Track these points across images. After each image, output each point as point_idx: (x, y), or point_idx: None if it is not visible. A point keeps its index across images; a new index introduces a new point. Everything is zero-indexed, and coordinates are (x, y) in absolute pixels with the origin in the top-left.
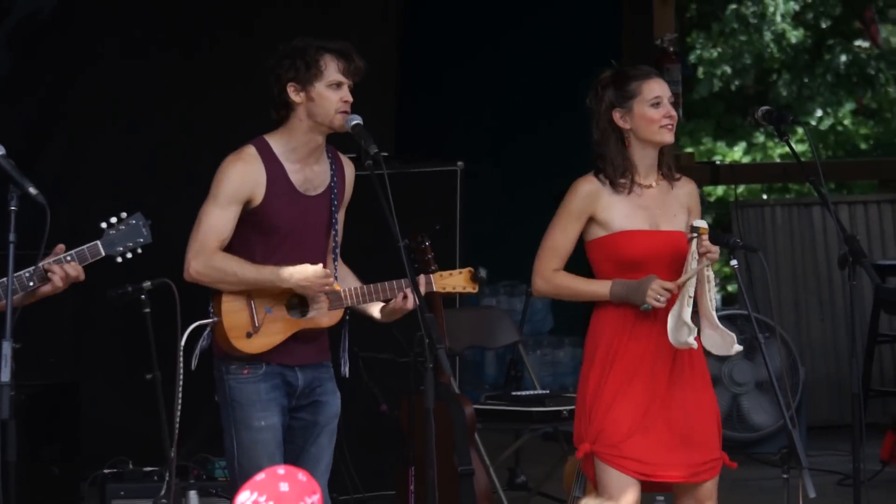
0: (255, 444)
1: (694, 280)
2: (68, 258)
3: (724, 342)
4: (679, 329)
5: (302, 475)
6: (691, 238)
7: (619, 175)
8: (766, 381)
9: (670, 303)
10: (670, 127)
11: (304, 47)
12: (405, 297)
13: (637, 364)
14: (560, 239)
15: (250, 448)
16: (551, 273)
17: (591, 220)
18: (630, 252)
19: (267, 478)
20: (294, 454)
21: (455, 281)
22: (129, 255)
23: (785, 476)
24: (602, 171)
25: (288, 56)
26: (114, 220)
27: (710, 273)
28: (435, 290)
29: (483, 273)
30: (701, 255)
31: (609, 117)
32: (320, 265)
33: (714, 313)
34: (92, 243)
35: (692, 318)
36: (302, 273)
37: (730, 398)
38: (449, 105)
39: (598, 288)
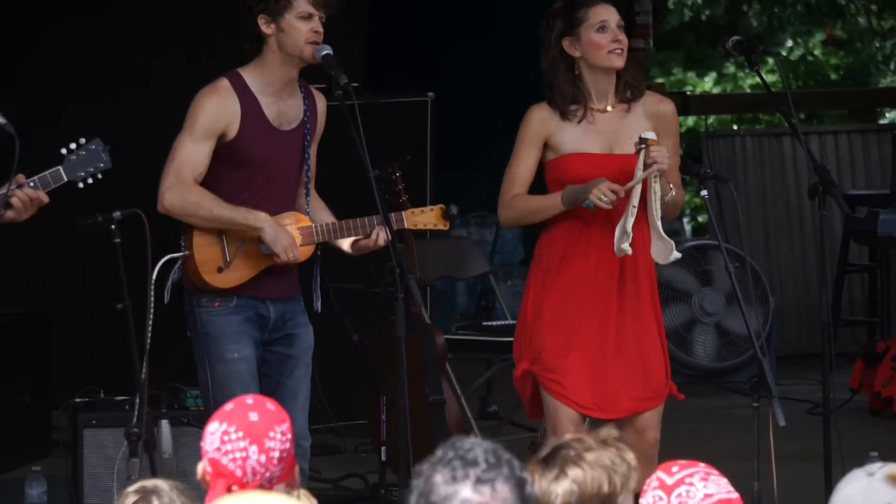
0: (228, 375)
1: (639, 190)
2: (31, 184)
3: (665, 249)
4: (621, 238)
5: (270, 404)
6: (639, 149)
7: (568, 103)
8: (725, 327)
9: (617, 215)
10: (619, 51)
11: None
12: (377, 235)
13: (578, 283)
14: (518, 167)
15: (224, 380)
16: (511, 198)
17: (546, 144)
18: (577, 173)
19: (235, 407)
20: (270, 388)
21: (426, 218)
22: (90, 181)
23: (755, 405)
24: (551, 99)
25: None
26: (73, 145)
27: (657, 185)
28: (406, 226)
29: (454, 210)
30: (647, 165)
31: (559, 46)
32: (296, 235)
33: (659, 223)
34: (53, 169)
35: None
36: (275, 230)
37: (688, 322)
38: (420, 36)
39: (552, 199)
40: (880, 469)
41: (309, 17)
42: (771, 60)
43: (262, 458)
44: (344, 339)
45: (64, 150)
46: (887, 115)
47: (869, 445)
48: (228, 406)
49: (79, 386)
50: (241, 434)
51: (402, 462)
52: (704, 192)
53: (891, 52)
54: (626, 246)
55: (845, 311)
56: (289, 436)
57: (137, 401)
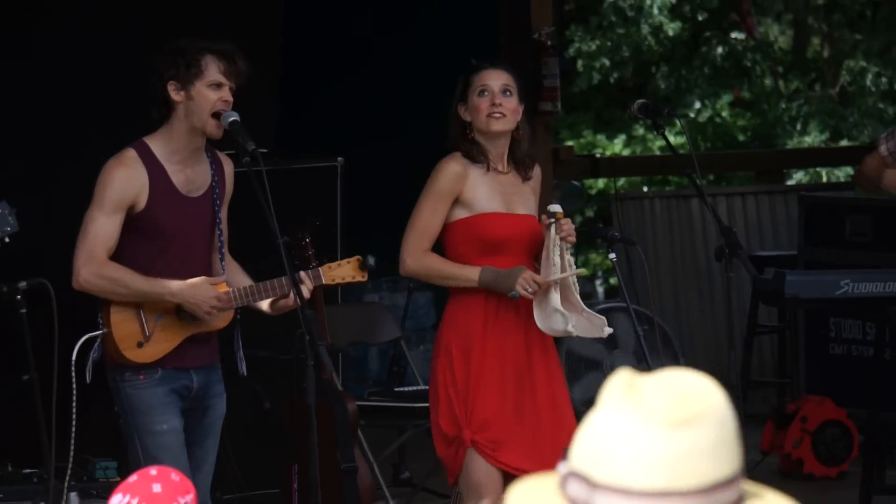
0: (158, 448)
1: (558, 265)
2: None
3: (593, 325)
4: (551, 317)
5: (175, 475)
6: (549, 224)
7: (473, 161)
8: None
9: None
10: (497, 115)
11: (186, 47)
12: (302, 296)
13: (503, 354)
14: (429, 219)
15: (155, 453)
16: (421, 253)
17: (456, 200)
18: (491, 233)
19: (139, 479)
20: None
21: (344, 271)
22: None
23: None
24: (467, 155)
25: (170, 54)
26: None
27: (569, 257)
28: (325, 282)
29: (371, 261)
30: (562, 239)
31: (455, 111)
32: (213, 288)
33: (578, 297)
34: None
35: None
36: (191, 288)
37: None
38: (331, 103)
39: (468, 272)
40: None
41: (219, 86)
42: (679, 122)
43: None
44: (255, 406)
45: None
46: (794, 176)
47: None
48: (132, 478)
49: None
50: None
51: None
52: (613, 255)
53: (797, 113)
54: (568, 327)
55: (755, 372)
56: None
57: (45, 473)
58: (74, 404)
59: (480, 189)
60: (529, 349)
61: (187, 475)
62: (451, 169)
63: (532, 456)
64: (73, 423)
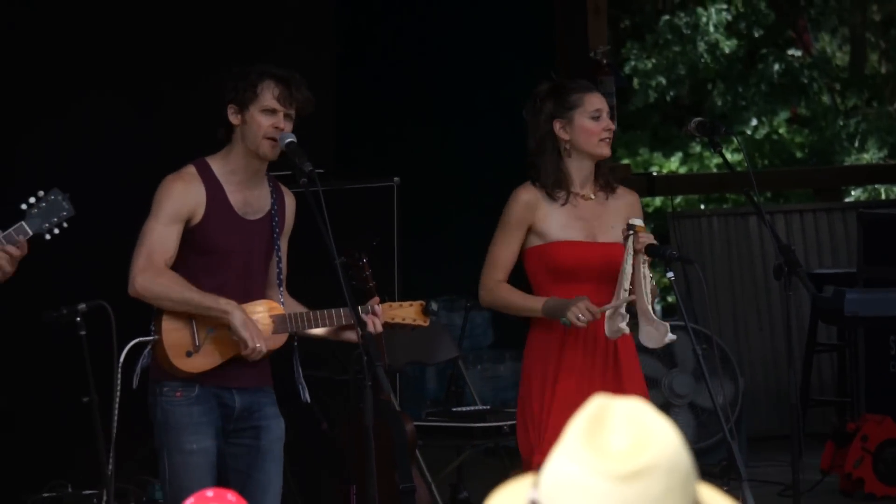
0: (185, 466)
1: (629, 274)
2: None
3: (658, 334)
4: (613, 319)
5: (231, 496)
6: (627, 235)
7: (553, 185)
8: (700, 406)
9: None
10: (608, 140)
11: (248, 70)
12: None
13: (581, 380)
14: (502, 250)
15: (181, 470)
16: (494, 284)
17: (530, 229)
18: (563, 261)
19: (195, 501)
20: (240, 481)
21: (405, 312)
22: (57, 231)
23: (725, 488)
24: (537, 180)
25: (232, 77)
26: (32, 199)
27: (645, 269)
28: (384, 320)
29: (434, 307)
30: (636, 251)
31: (549, 128)
32: (268, 323)
33: (650, 307)
34: (17, 224)
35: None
36: (241, 318)
37: (661, 406)
38: (386, 121)
39: (533, 304)
40: None
41: (273, 112)
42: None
43: None
44: (313, 428)
45: (24, 206)
46: (852, 192)
47: None
48: (189, 501)
49: (46, 480)
50: None
51: None
52: (670, 274)
53: (854, 129)
54: (623, 325)
55: (815, 391)
56: None
57: (105, 495)
58: (116, 410)
59: (555, 217)
60: (616, 373)
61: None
62: (521, 199)
63: None
64: (115, 428)
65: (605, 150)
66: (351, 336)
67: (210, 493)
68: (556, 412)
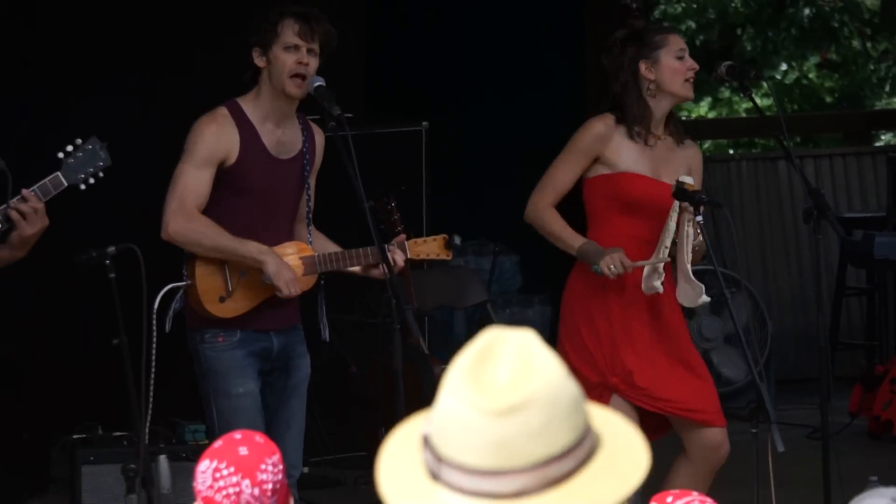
0: (234, 410)
1: (672, 231)
2: (32, 192)
3: (693, 293)
4: (650, 276)
5: (259, 437)
6: (675, 192)
7: (636, 123)
8: (734, 336)
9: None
10: (692, 80)
11: (267, 12)
12: (392, 259)
13: (636, 312)
14: (561, 173)
15: (230, 415)
16: (544, 205)
17: (598, 159)
18: (630, 192)
19: (224, 444)
20: (266, 417)
21: (429, 248)
22: (92, 181)
23: (754, 430)
24: (621, 115)
25: (254, 20)
26: (70, 148)
27: (689, 228)
28: (409, 256)
29: (457, 240)
30: (682, 210)
31: (634, 68)
32: (298, 265)
33: (689, 267)
34: (52, 175)
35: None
36: (276, 264)
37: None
38: (416, 66)
39: (571, 240)
40: None
41: (295, 48)
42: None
43: (256, 490)
44: (342, 370)
45: (61, 154)
46: (882, 137)
47: (868, 470)
48: (217, 443)
49: (76, 422)
50: (232, 469)
51: None
52: (699, 218)
53: (885, 74)
54: (657, 283)
55: (843, 334)
56: (280, 467)
57: (138, 438)
58: (154, 354)
59: (626, 151)
60: (658, 309)
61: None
62: (595, 129)
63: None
64: (153, 375)
65: (689, 91)
66: (377, 273)
67: (238, 434)
68: (626, 338)
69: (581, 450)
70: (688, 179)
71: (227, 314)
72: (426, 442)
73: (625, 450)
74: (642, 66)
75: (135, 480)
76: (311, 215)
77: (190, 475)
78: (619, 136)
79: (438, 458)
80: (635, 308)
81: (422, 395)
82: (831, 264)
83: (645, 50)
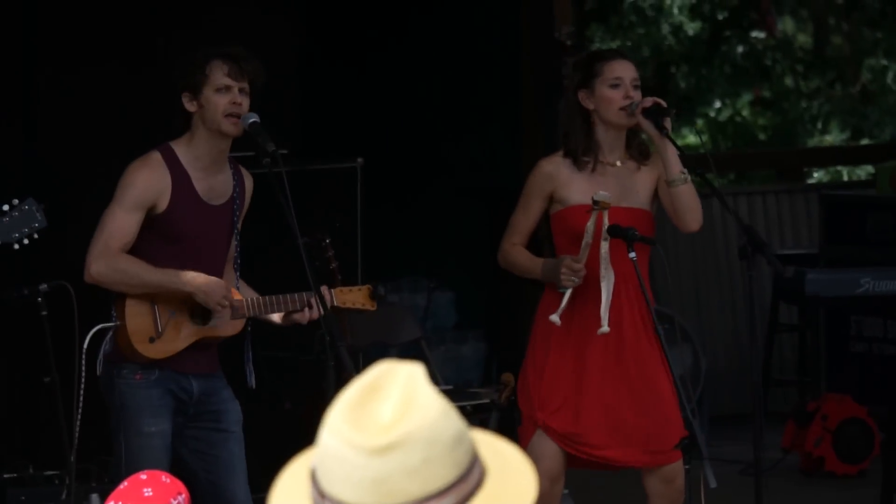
0: (143, 449)
1: (586, 247)
2: None
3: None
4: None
5: (165, 477)
6: (591, 210)
7: (581, 153)
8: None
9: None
10: (628, 108)
11: (193, 56)
12: (309, 308)
13: (585, 342)
14: (521, 217)
15: (139, 453)
16: (509, 246)
17: (553, 197)
18: (579, 225)
19: (129, 485)
20: (207, 464)
21: (354, 297)
22: (27, 241)
23: (686, 467)
24: (567, 148)
25: (179, 66)
26: (6, 207)
27: (604, 252)
28: (336, 304)
29: (382, 291)
30: (599, 230)
31: (575, 98)
32: (225, 284)
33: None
34: None
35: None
36: (205, 281)
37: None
38: (351, 102)
39: (534, 266)
40: None
41: (227, 89)
42: (700, 121)
43: None
44: (277, 407)
45: None
46: (815, 174)
47: None
48: (123, 485)
49: (7, 461)
50: None
51: None
52: (632, 255)
53: (817, 112)
54: (605, 327)
55: (776, 370)
56: None
57: (68, 478)
58: (82, 393)
59: (576, 184)
60: (620, 339)
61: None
62: (542, 169)
63: (612, 443)
64: (79, 413)
65: (623, 119)
66: (300, 319)
67: (144, 475)
68: (559, 373)
69: (465, 485)
70: (603, 196)
71: (158, 355)
72: (312, 477)
73: (511, 482)
74: (581, 96)
75: None
76: (239, 261)
77: None
78: (567, 171)
79: (322, 494)
80: (582, 346)
81: None
82: (763, 301)
83: (584, 78)
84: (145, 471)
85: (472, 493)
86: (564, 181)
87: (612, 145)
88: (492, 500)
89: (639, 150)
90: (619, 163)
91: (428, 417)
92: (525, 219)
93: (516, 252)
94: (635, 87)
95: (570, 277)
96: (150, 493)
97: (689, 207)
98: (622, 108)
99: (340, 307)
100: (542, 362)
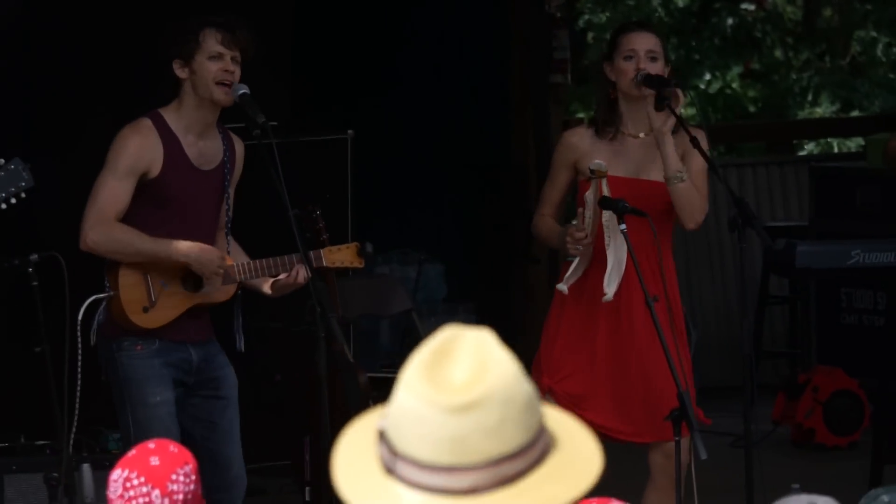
0: (150, 419)
1: (588, 220)
2: None
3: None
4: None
5: (173, 447)
6: (588, 179)
7: (603, 123)
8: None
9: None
10: (635, 80)
11: (185, 23)
12: (297, 273)
13: (597, 312)
14: (549, 189)
15: (146, 424)
16: (538, 218)
17: (576, 167)
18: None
19: (137, 453)
20: (206, 431)
21: (342, 256)
22: (14, 201)
23: (676, 438)
24: (593, 119)
25: (171, 33)
26: None
27: (606, 215)
28: (325, 264)
29: (369, 248)
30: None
31: (601, 69)
32: (218, 251)
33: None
34: None
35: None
36: (199, 250)
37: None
38: (341, 74)
39: (551, 236)
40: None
41: (219, 56)
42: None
43: (166, 501)
44: (267, 378)
45: None
46: (805, 146)
47: (791, 477)
48: (131, 452)
49: None
50: (143, 479)
51: (326, 502)
52: (623, 227)
53: (807, 84)
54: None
55: (766, 343)
56: (193, 477)
57: (62, 447)
58: (80, 366)
59: (598, 155)
60: (630, 310)
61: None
62: (565, 141)
63: (616, 415)
64: (79, 386)
65: (634, 90)
66: (288, 282)
67: (152, 444)
68: (572, 341)
69: (534, 450)
70: (598, 165)
71: (152, 324)
72: (382, 437)
73: (579, 453)
74: (606, 68)
75: (58, 489)
76: (230, 225)
77: None
78: (589, 142)
79: (394, 453)
80: (592, 317)
81: (346, 403)
82: (754, 273)
83: (608, 52)
84: (154, 439)
85: (540, 458)
86: (586, 151)
87: (635, 117)
88: (561, 467)
89: (682, 123)
90: (642, 135)
91: (505, 378)
92: (552, 190)
93: (542, 223)
94: (651, 58)
95: (574, 246)
96: (157, 462)
97: (683, 206)
98: (632, 80)
99: (329, 267)
100: (554, 332)
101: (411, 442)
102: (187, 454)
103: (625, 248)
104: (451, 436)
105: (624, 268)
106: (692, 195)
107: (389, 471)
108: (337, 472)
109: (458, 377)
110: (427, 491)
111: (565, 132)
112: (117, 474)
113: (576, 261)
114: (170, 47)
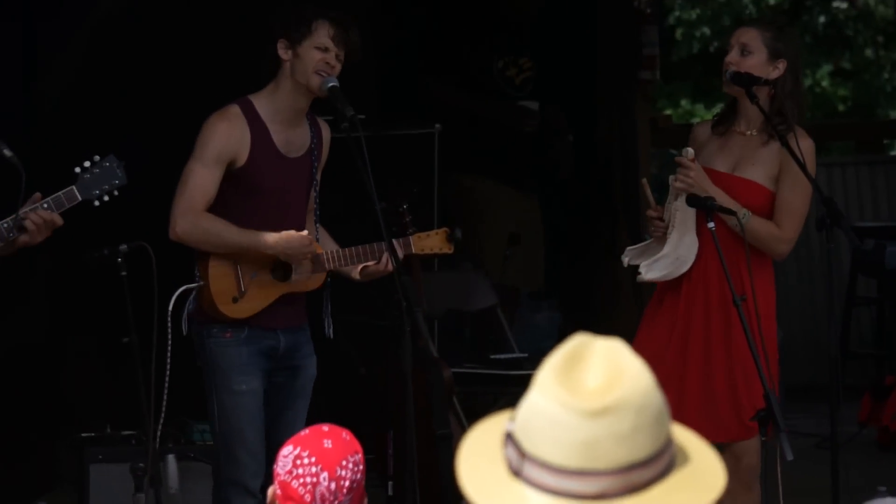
0: (235, 407)
1: (672, 210)
2: (44, 205)
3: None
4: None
5: (346, 434)
6: (689, 200)
7: (721, 117)
8: None
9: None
10: (725, 77)
11: (302, 8)
12: (387, 260)
13: (674, 311)
14: None
15: (231, 411)
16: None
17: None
18: None
19: (311, 433)
20: (271, 416)
21: (432, 242)
22: (107, 198)
23: (763, 439)
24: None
25: (285, 13)
26: (87, 163)
27: (676, 205)
28: (413, 251)
29: (459, 233)
30: (675, 185)
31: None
32: (304, 232)
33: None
34: (67, 189)
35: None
36: (286, 240)
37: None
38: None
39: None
40: None
41: (325, 49)
42: None
43: (333, 485)
44: (351, 371)
45: (77, 169)
46: (895, 146)
47: (877, 480)
48: (304, 432)
49: (84, 420)
50: (313, 459)
51: (409, 497)
52: (711, 225)
53: None
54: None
55: (854, 343)
56: (361, 467)
57: (147, 438)
58: (169, 355)
59: (708, 147)
60: (707, 312)
61: (261, 436)
62: (691, 132)
63: (685, 413)
64: (167, 375)
65: (726, 86)
66: (377, 269)
67: (326, 427)
68: (645, 338)
69: (663, 460)
70: (686, 152)
71: (241, 314)
72: (509, 438)
73: (705, 467)
74: None
75: (143, 479)
76: (318, 212)
77: (198, 475)
78: (706, 135)
79: (522, 455)
80: (676, 315)
81: (430, 398)
82: (842, 273)
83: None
84: (327, 423)
85: (668, 468)
86: (701, 143)
87: (748, 114)
88: (688, 479)
89: (775, 128)
90: (749, 132)
91: (639, 386)
92: None
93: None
94: (743, 53)
95: (651, 226)
96: (330, 446)
97: (757, 243)
98: (724, 78)
99: (419, 254)
100: (637, 332)
101: (542, 444)
102: (357, 444)
103: (694, 247)
104: (584, 440)
105: (685, 267)
106: (760, 233)
107: (516, 473)
108: (462, 473)
109: (593, 383)
110: (554, 494)
111: (697, 124)
112: (288, 450)
113: (648, 240)
114: (280, 26)
